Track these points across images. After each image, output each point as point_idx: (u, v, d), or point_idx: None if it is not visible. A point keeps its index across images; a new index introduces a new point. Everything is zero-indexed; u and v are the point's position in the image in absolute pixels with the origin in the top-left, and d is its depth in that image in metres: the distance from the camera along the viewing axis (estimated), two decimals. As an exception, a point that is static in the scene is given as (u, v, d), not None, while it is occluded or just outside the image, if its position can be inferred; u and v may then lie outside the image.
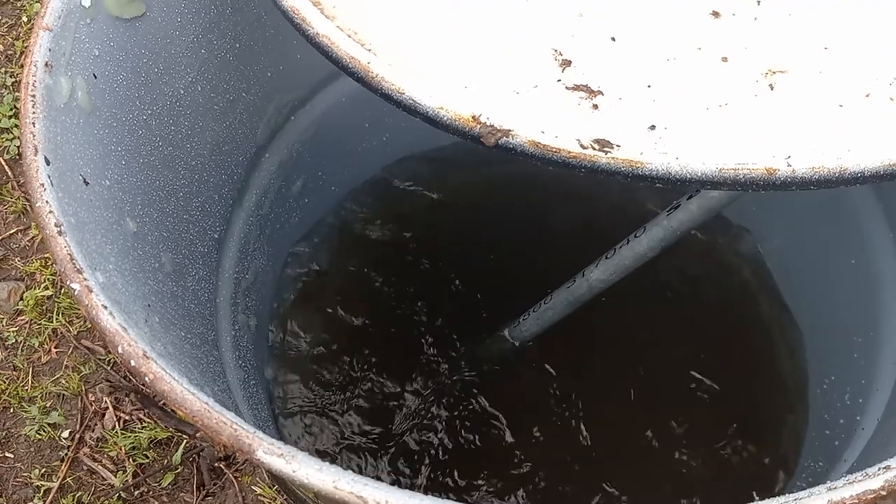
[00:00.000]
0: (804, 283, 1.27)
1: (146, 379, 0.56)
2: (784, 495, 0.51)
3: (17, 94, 1.85)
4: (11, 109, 1.81)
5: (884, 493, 0.51)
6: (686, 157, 0.55)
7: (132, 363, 0.56)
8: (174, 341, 0.78)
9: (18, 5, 2.00)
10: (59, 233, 0.61)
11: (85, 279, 0.59)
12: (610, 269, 1.08)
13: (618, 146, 0.56)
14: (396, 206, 1.43)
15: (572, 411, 1.25)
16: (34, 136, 0.65)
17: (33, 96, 0.67)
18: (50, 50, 0.70)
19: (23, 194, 1.73)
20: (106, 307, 0.58)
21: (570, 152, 0.56)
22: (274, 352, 1.27)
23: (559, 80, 0.64)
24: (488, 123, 0.58)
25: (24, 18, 1.97)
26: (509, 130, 0.58)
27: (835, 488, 0.51)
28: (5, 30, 1.96)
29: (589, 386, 1.27)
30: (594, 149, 0.56)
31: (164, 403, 1.48)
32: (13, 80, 1.87)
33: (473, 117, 0.58)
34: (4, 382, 1.52)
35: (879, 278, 1.07)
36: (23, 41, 1.93)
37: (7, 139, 1.78)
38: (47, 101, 0.68)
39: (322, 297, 1.33)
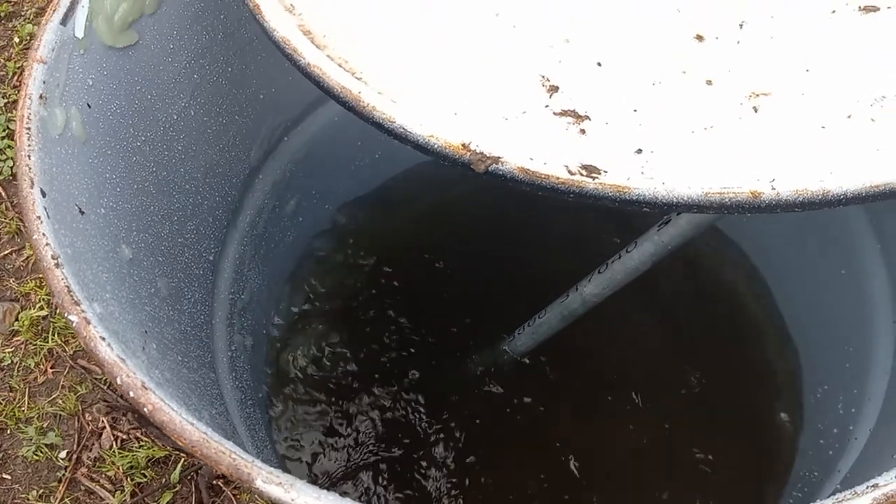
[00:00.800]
0: (796, 293, 1.29)
1: (145, 410, 0.56)
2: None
3: (9, 115, 1.86)
4: (4, 130, 1.82)
5: (873, 509, 0.52)
6: (672, 181, 0.56)
7: (131, 394, 0.56)
8: (172, 367, 0.79)
9: (10, 26, 2.01)
10: (56, 265, 0.62)
11: (83, 311, 0.60)
12: (602, 283, 1.09)
13: (605, 171, 0.57)
14: (388, 221, 1.44)
15: (564, 425, 1.26)
16: (30, 168, 0.66)
17: (28, 129, 0.68)
18: (44, 82, 0.71)
19: (17, 214, 1.74)
20: (104, 339, 0.59)
21: (558, 178, 0.57)
22: (270, 371, 1.28)
23: (547, 106, 0.65)
24: (478, 150, 0.59)
25: (16, 39, 1.97)
26: (499, 157, 0.59)
27: (824, 506, 0.52)
28: (-3, 51, 1.96)
29: (582, 398, 1.28)
30: (582, 175, 0.57)
31: (161, 422, 1.47)
32: (5, 100, 1.87)
33: (463, 145, 0.59)
34: (1, 404, 1.52)
35: (869, 288, 1.09)
36: (15, 62, 1.94)
37: (0, 160, 1.79)
38: (42, 132, 0.69)
39: (315, 317, 1.34)
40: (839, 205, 0.55)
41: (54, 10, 0.74)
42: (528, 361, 1.26)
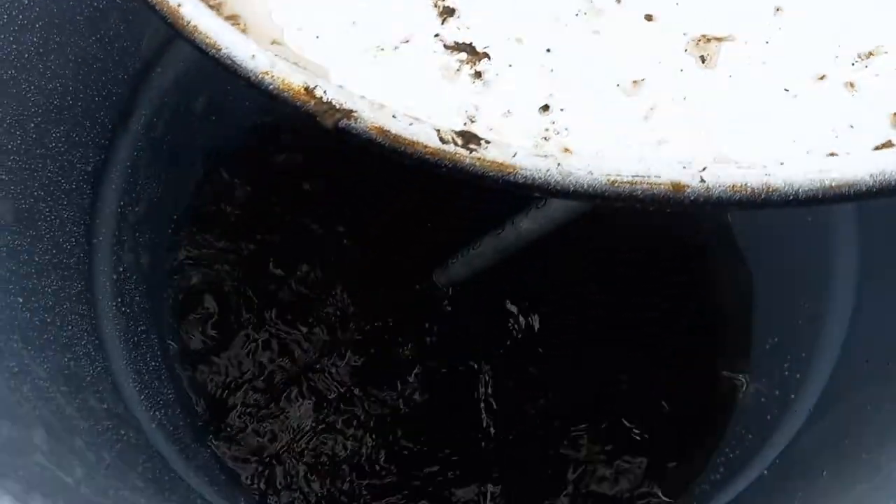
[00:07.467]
0: (760, 233, 1.17)
1: None
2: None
3: None
4: None
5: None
6: (572, 161, 0.42)
7: None
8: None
9: None
10: None
11: None
12: (539, 219, 0.97)
13: (486, 143, 0.43)
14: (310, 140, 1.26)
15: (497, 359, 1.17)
16: None
17: None
18: None
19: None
20: None
21: (426, 147, 0.43)
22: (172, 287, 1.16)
23: (436, 35, 0.50)
24: (326, 99, 0.44)
25: None
26: (351, 111, 0.44)
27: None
28: None
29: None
30: (456, 145, 0.43)
31: None
32: None
33: (307, 89, 0.45)
34: None
35: (833, 240, 0.97)
36: None
37: None
38: None
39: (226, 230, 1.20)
40: (785, 206, 0.42)
41: None
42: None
